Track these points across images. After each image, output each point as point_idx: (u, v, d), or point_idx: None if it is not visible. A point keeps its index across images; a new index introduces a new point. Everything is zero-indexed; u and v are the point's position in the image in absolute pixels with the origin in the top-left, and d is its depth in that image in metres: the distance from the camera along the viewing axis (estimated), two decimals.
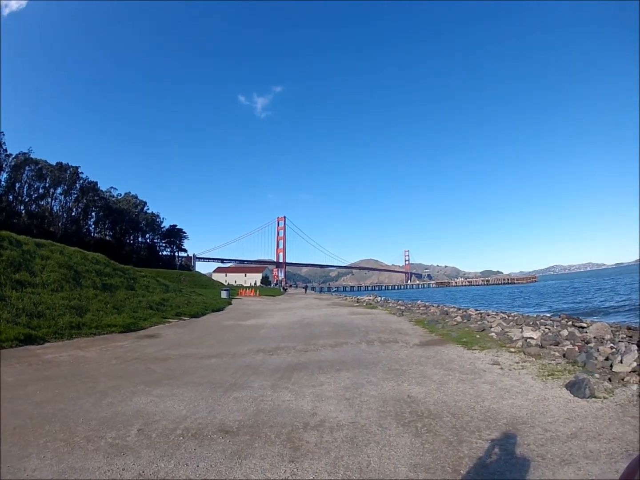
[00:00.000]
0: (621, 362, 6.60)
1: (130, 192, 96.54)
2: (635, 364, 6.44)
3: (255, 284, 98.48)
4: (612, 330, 11.56)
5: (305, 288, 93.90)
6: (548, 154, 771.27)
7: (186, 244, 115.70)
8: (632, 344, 8.44)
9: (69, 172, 76.48)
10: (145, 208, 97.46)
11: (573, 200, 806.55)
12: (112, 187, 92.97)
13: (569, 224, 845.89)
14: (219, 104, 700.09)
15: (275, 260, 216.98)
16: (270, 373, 6.82)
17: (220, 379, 6.47)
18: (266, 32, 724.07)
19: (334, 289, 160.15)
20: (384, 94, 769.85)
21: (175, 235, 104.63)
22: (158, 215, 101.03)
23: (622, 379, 5.84)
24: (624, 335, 11.14)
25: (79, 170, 78.59)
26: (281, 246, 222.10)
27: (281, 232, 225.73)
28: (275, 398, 5.32)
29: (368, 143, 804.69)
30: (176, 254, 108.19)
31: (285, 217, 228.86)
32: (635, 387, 5.37)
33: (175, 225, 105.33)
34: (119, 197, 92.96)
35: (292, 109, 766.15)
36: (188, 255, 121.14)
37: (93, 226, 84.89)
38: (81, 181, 78.95)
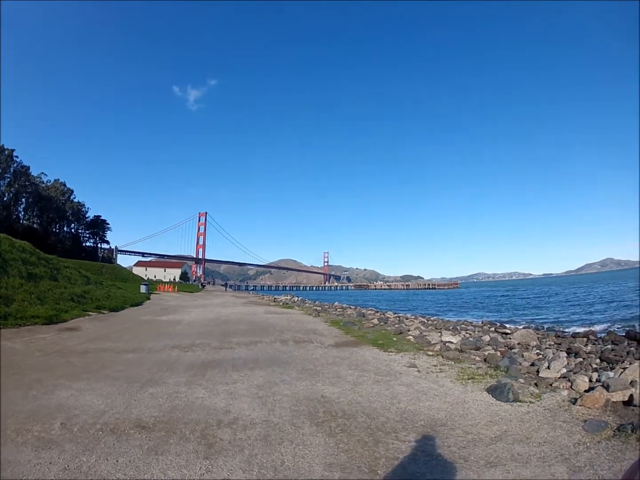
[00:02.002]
0: (548, 367, 6.30)
1: (59, 179, 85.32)
2: (565, 370, 6.21)
3: (174, 279, 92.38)
4: (538, 337, 11.05)
5: (225, 285, 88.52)
6: (476, 159, 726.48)
7: (108, 236, 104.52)
8: (561, 351, 8.20)
9: (4, 154, 66.37)
10: (72, 197, 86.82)
11: (499, 210, 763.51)
12: (42, 173, 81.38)
13: (495, 234, 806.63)
14: (151, 93, 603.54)
15: (194, 256, 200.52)
16: (185, 369, 6.50)
17: (137, 374, 6.12)
18: (207, 23, 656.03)
19: (252, 288, 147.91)
20: (319, 95, 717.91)
21: (98, 227, 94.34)
22: (83, 205, 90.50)
23: (550, 385, 5.43)
24: (552, 343, 10.66)
25: (14, 153, 68.73)
26: (201, 242, 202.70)
27: (202, 227, 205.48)
28: (190, 395, 5.02)
29: (291, 142, 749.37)
30: (99, 245, 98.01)
31: (206, 212, 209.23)
32: (565, 392, 5.00)
33: (100, 216, 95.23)
34: (48, 184, 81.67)
35: (224, 104, 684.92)
36: (110, 247, 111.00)
37: (22, 213, 73.85)
38: (15, 165, 68.89)
